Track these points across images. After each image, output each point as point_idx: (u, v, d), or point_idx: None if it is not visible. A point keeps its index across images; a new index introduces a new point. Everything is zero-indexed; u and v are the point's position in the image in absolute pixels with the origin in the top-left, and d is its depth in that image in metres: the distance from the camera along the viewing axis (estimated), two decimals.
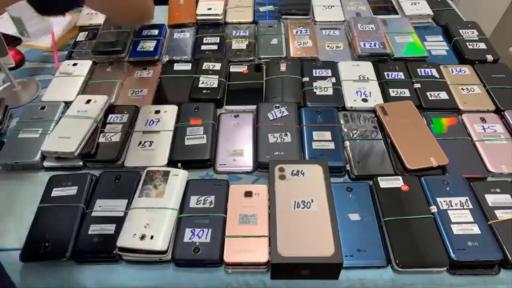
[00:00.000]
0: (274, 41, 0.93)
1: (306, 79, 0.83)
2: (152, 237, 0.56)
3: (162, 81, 0.85)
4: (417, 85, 0.81)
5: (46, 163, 0.70)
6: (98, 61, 0.90)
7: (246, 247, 0.56)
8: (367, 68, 0.85)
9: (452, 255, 0.55)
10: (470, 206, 0.60)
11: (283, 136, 0.71)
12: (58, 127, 0.72)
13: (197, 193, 0.62)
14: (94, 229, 0.59)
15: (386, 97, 0.79)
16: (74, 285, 0.57)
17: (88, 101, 0.76)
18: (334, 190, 0.59)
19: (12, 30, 1.02)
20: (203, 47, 0.93)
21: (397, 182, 0.64)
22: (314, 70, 0.84)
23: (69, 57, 0.93)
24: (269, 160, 0.65)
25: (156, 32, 0.96)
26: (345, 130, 0.73)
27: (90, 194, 0.64)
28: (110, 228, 0.59)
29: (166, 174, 0.63)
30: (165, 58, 0.91)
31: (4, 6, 0.71)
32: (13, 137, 0.72)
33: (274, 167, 0.61)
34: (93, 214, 0.61)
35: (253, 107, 0.77)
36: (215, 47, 0.93)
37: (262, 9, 1.04)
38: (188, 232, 0.58)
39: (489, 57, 0.88)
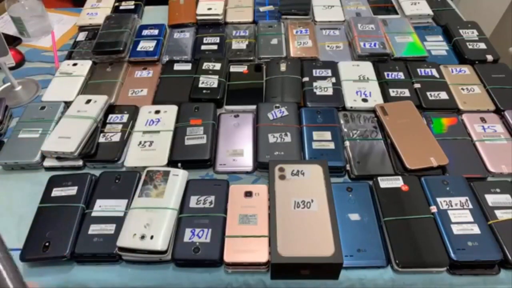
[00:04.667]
0: (274, 41, 0.93)
1: (306, 79, 0.83)
2: (152, 237, 0.56)
3: (162, 81, 0.85)
4: (417, 85, 0.81)
5: (46, 163, 0.70)
6: (98, 61, 0.90)
7: (246, 247, 0.56)
8: (367, 68, 0.85)
9: (452, 255, 0.55)
10: (470, 206, 0.60)
11: (283, 136, 0.71)
12: (58, 127, 0.72)
13: (197, 193, 0.62)
14: (94, 229, 0.59)
15: (386, 97, 0.79)
16: (74, 285, 0.57)
17: (88, 101, 0.76)
18: (334, 190, 0.59)
19: (12, 30, 1.03)
20: (203, 47, 0.93)
21: (397, 182, 0.64)
22: (314, 70, 0.84)
23: (69, 57, 0.93)
24: (269, 160, 0.65)
25: (156, 32, 0.96)
26: (345, 130, 0.73)
27: (90, 194, 0.64)
28: (110, 228, 0.59)
29: (166, 174, 0.63)
30: (165, 58, 0.91)
31: None
32: (13, 137, 0.72)
33: (274, 167, 0.61)
34: (93, 214, 0.61)
35: (253, 107, 0.77)
36: (215, 47, 0.93)
37: (262, 9, 1.04)
38: (188, 232, 0.58)
39: (489, 57, 0.88)
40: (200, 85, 0.82)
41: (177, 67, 0.88)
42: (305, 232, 0.54)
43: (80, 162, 0.70)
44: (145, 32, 0.96)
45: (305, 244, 0.52)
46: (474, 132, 0.72)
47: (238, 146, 0.71)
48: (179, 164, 0.68)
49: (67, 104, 0.79)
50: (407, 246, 0.56)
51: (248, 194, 0.62)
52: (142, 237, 0.56)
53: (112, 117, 0.76)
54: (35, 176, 0.70)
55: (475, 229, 0.57)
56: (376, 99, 0.78)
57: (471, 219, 0.58)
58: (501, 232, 0.57)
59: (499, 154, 0.69)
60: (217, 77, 0.83)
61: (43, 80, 0.89)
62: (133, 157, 0.69)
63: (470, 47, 0.90)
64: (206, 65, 0.86)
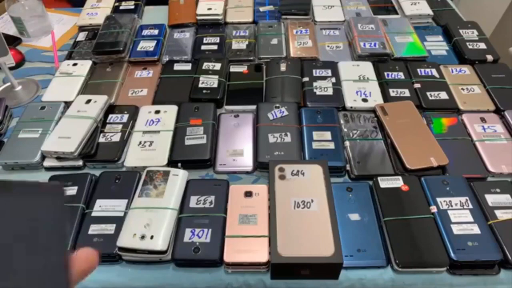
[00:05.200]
0: (274, 41, 0.93)
1: (306, 79, 0.83)
2: (152, 237, 0.56)
3: (162, 81, 0.85)
4: (417, 85, 0.81)
5: (46, 163, 0.70)
6: (98, 61, 0.90)
7: (246, 247, 0.56)
8: (367, 68, 0.85)
9: (452, 255, 0.55)
10: (470, 206, 0.60)
11: (283, 136, 0.71)
12: (58, 127, 0.72)
13: (197, 193, 0.62)
14: (94, 229, 0.59)
15: (386, 97, 0.79)
16: None
17: (88, 101, 0.76)
18: (334, 190, 0.59)
19: (12, 30, 1.03)
20: (203, 47, 0.93)
21: (397, 182, 0.64)
22: (314, 70, 0.84)
23: (69, 57, 0.93)
24: (269, 160, 0.65)
25: (156, 32, 0.96)
26: (345, 130, 0.73)
27: (90, 194, 0.64)
28: (110, 228, 0.59)
29: (166, 174, 0.63)
30: (165, 58, 0.91)
31: None
32: (13, 137, 0.72)
33: (274, 167, 0.61)
34: (93, 214, 0.61)
35: (253, 107, 0.77)
36: (215, 47, 0.93)
37: (262, 9, 1.04)
38: (188, 232, 0.58)
39: (489, 57, 0.88)
40: (200, 85, 0.81)
41: (177, 67, 0.88)
42: (305, 232, 0.54)
43: (80, 162, 0.70)
44: (145, 32, 0.96)
45: (305, 244, 0.52)
46: (474, 132, 0.72)
47: (238, 146, 0.71)
48: (179, 164, 0.68)
49: (67, 104, 0.79)
50: (407, 246, 0.56)
51: (248, 194, 0.62)
52: (142, 237, 0.56)
53: (112, 117, 0.76)
54: (35, 176, 0.69)
55: (475, 229, 0.57)
56: (376, 99, 0.78)
57: (471, 219, 0.58)
58: (501, 232, 0.57)
59: (499, 154, 0.69)
60: (217, 77, 0.83)
61: (43, 80, 0.89)
62: (133, 157, 0.69)
63: (470, 47, 0.90)
64: (206, 65, 0.86)
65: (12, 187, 0.23)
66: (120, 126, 0.75)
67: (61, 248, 0.23)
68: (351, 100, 0.78)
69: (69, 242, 0.23)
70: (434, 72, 0.84)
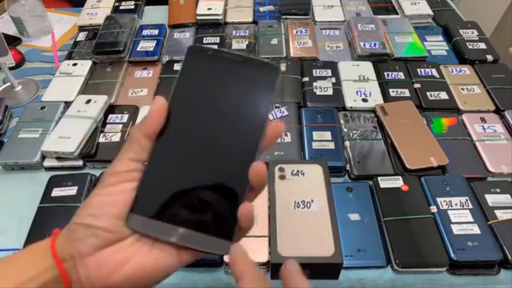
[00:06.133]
0: (274, 41, 0.93)
1: (306, 79, 0.83)
2: None
3: (162, 81, 0.85)
4: (417, 85, 0.81)
5: (46, 163, 0.70)
6: (98, 61, 0.90)
7: (246, 247, 0.55)
8: (367, 68, 0.85)
9: (452, 255, 0.55)
10: (470, 206, 0.60)
11: (283, 136, 0.71)
12: (58, 127, 0.72)
13: None
14: None
15: (386, 97, 0.79)
16: None
17: (88, 101, 0.76)
18: (334, 190, 0.59)
19: (12, 30, 1.03)
20: None
21: (397, 182, 0.64)
22: (314, 70, 0.84)
23: (69, 57, 0.93)
24: (269, 160, 0.65)
25: (156, 32, 0.96)
26: (345, 130, 0.73)
27: (90, 194, 0.64)
28: None
29: None
30: (165, 58, 0.91)
31: None
32: (13, 137, 0.72)
33: (274, 167, 0.61)
34: None
35: None
36: (215, 47, 0.93)
37: (262, 9, 1.04)
38: None
39: (489, 57, 0.88)
40: None
41: (177, 67, 0.88)
42: (305, 232, 0.53)
43: (80, 162, 0.70)
44: (145, 32, 0.96)
45: (305, 244, 0.52)
46: (474, 132, 0.72)
47: None
48: None
49: (67, 104, 0.79)
50: (407, 246, 0.56)
51: None
52: None
53: (112, 117, 0.76)
54: (35, 176, 0.69)
55: (475, 229, 0.57)
56: (376, 99, 0.78)
57: (471, 219, 0.58)
58: (501, 232, 0.57)
59: (499, 154, 0.69)
60: None
61: (43, 80, 0.89)
62: None
63: (470, 47, 0.90)
64: None
65: (242, 59, 0.32)
66: (120, 126, 0.74)
67: (263, 112, 0.33)
68: (351, 100, 0.78)
69: (269, 110, 0.31)
70: (434, 72, 0.84)
